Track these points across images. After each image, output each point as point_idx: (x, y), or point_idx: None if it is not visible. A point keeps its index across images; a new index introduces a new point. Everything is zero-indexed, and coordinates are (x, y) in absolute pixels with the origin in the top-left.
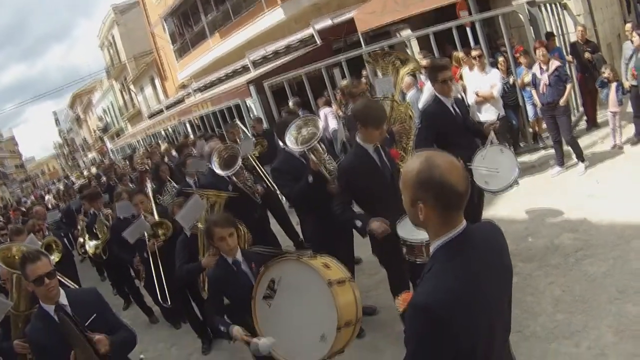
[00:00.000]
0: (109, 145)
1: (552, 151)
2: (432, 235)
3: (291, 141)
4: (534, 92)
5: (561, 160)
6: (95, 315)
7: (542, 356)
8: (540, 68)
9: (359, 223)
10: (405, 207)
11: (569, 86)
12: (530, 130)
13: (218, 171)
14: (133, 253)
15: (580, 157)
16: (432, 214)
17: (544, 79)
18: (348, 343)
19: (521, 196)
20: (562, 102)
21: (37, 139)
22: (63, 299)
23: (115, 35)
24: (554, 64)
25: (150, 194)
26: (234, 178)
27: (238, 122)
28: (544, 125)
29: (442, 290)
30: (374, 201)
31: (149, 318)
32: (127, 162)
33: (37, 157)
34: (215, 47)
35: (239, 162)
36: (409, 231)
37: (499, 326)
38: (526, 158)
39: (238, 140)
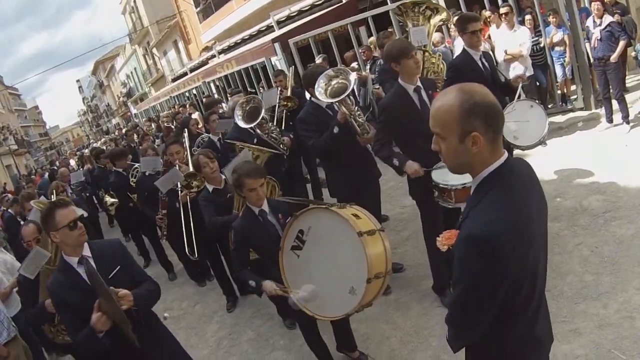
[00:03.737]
0: (133, 110)
1: (580, 113)
2: (480, 167)
3: (320, 92)
4: (587, 45)
5: (610, 116)
6: (119, 267)
7: (570, 316)
8: (594, 22)
9: (396, 162)
10: (450, 149)
11: (621, 43)
12: (559, 91)
13: (241, 124)
14: (156, 209)
15: (627, 117)
16: (485, 142)
17: (596, 33)
18: (377, 296)
19: (549, 157)
20: (613, 58)
21: (61, 107)
22: (86, 251)
23: (136, 0)
24: (608, 19)
25: (187, 144)
26: (257, 130)
27: (286, 71)
28: (573, 87)
29: (495, 221)
30: (412, 142)
31: (168, 274)
32: (152, 124)
33: (62, 126)
34: (239, 8)
35: (262, 113)
36: (442, 175)
37: (542, 262)
38: (554, 119)
39: (289, 87)
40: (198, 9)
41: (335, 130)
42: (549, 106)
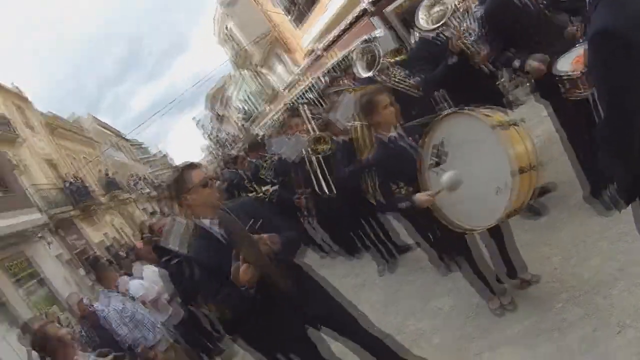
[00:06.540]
0: (255, 131)
1: None
2: None
3: (423, 21)
4: None
5: None
6: (261, 220)
7: None
8: None
9: (517, 63)
10: None
11: None
12: None
13: (362, 73)
14: (293, 191)
15: None
16: None
17: None
18: (526, 199)
19: None
20: None
21: (186, 148)
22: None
23: (230, 27)
24: None
25: (307, 114)
26: (380, 78)
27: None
28: None
29: (621, 13)
30: (524, 41)
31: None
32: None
33: None
34: (330, 4)
35: (379, 60)
36: (567, 65)
37: None
38: None
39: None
40: (291, 17)
41: (450, 61)
42: None
